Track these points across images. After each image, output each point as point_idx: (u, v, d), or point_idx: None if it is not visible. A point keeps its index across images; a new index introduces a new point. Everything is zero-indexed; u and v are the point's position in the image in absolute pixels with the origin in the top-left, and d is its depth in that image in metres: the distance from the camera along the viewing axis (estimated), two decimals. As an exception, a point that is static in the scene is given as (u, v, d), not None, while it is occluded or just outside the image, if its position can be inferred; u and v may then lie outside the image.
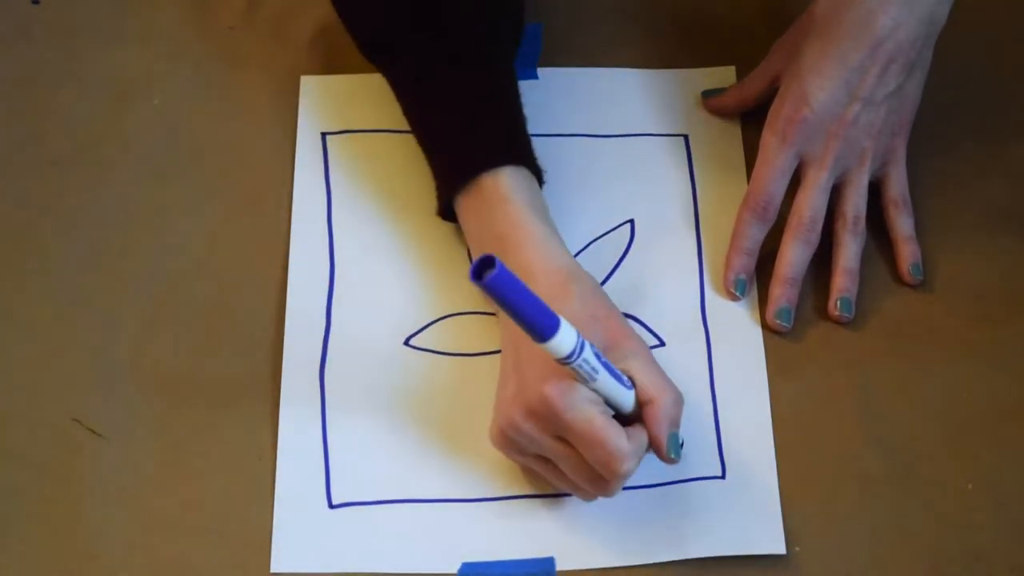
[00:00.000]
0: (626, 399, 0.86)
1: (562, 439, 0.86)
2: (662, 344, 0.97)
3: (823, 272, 0.99)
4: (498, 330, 0.96)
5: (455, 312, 0.98)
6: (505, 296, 0.78)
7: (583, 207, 1.02)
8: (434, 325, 0.98)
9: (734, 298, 0.98)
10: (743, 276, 0.98)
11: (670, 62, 1.08)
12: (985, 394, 0.95)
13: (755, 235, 0.99)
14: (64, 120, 1.05)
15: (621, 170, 1.04)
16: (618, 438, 0.84)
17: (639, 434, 0.86)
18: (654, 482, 0.92)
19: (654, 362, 0.88)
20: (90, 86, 1.06)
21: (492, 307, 0.97)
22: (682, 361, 0.96)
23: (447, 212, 0.97)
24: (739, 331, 0.98)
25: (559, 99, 1.06)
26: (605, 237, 1.01)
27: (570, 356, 0.82)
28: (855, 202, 0.99)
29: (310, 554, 0.90)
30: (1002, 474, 0.92)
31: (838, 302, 0.97)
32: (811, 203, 0.98)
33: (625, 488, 0.91)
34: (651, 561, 0.90)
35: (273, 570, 0.89)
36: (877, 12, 0.96)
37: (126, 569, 0.90)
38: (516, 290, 0.78)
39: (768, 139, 0.99)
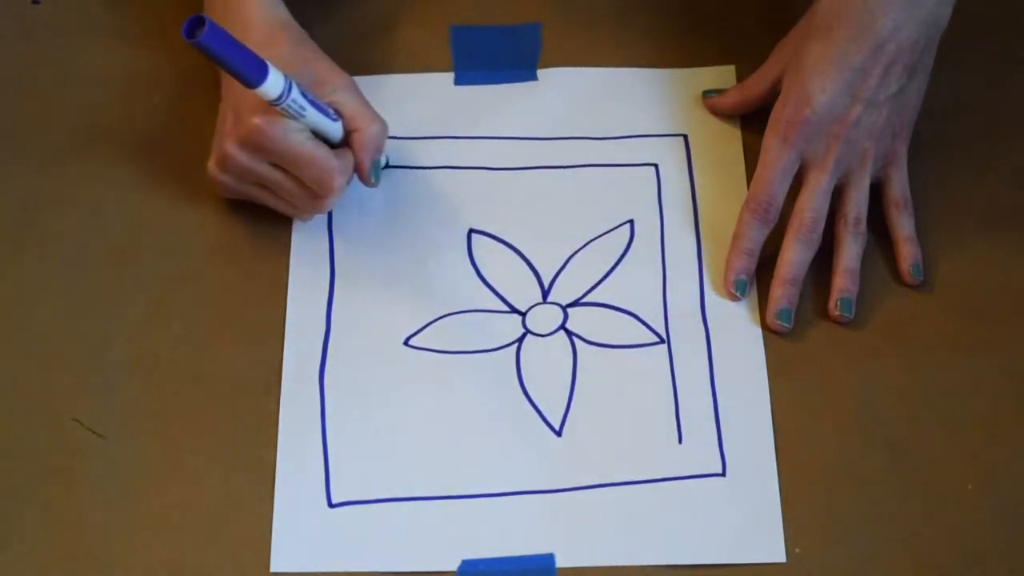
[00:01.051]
0: (334, 130, 0.96)
1: (276, 166, 0.96)
2: (662, 342, 0.97)
3: (823, 272, 0.99)
4: (495, 324, 0.97)
5: (454, 311, 0.98)
6: (216, 49, 0.89)
7: (583, 207, 1.02)
8: (433, 325, 0.98)
9: (734, 298, 0.98)
10: (744, 277, 0.98)
11: (670, 62, 1.08)
12: (985, 394, 0.95)
13: (756, 236, 0.99)
14: (64, 119, 1.04)
15: (621, 170, 1.04)
16: (328, 157, 0.95)
17: (347, 155, 0.97)
18: (655, 477, 0.92)
19: (360, 96, 0.98)
20: (90, 86, 1.06)
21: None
22: (682, 361, 0.96)
23: None
24: (739, 331, 0.98)
25: (559, 99, 1.06)
26: (605, 236, 1.01)
27: (279, 98, 0.92)
28: (856, 203, 0.99)
29: (310, 553, 0.90)
30: (1002, 474, 0.92)
31: (838, 302, 0.97)
32: (812, 204, 0.98)
33: (625, 483, 0.92)
34: (651, 563, 0.90)
35: (273, 570, 0.89)
36: (878, 13, 0.96)
37: (126, 569, 0.90)
38: (226, 43, 0.89)
39: (769, 140, 0.99)
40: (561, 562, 0.90)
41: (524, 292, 0.99)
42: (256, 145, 0.95)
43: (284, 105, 0.93)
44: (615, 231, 1.01)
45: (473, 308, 0.98)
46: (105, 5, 1.09)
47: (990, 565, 0.90)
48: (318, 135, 0.96)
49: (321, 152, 0.95)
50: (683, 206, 1.02)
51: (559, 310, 0.98)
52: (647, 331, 0.98)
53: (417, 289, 0.99)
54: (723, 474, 0.93)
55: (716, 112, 1.06)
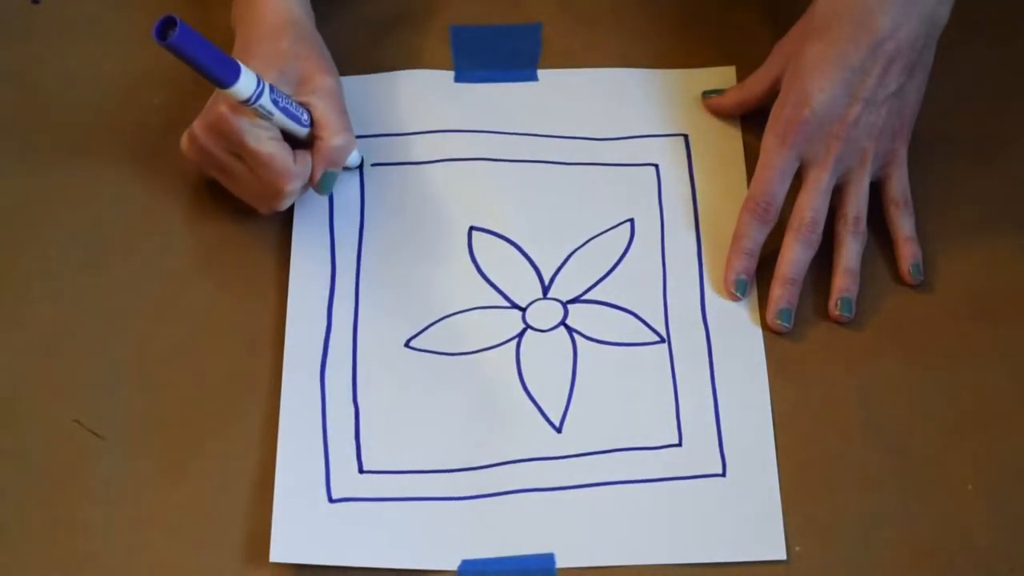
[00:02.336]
0: (301, 134, 0.98)
1: (237, 155, 0.96)
2: (663, 342, 0.97)
3: (823, 272, 0.99)
4: (495, 320, 0.98)
5: (455, 311, 0.98)
6: (187, 51, 0.90)
7: (584, 205, 1.02)
8: (434, 326, 0.98)
9: (734, 298, 0.98)
10: (744, 277, 0.98)
11: (670, 62, 1.08)
12: (985, 394, 0.95)
13: (756, 236, 0.99)
14: (64, 119, 1.05)
15: (621, 170, 1.04)
16: (285, 160, 0.96)
17: (306, 158, 0.98)
18: (656, 477, 0.92)
19: (338, 104, 0.99)
20: (90, 86, 1.06)
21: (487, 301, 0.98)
22: (682, 361, 0.96)
23: None
24: (739, 331, 0.98)
25: (559, 100, 1.06)
26: (605, 235, 1.01)
27: (248, 100, 0.94)
28: (856, 203, 0.99)
29: (309, 545, 0.90)
30: (1002, 474, 0.92)
31: (838, 302, 0.97)
32: (812, 204, 0.98)
33: (627, 482, 0.92)
34: (651, 562, 0.90)
35: (272, 559, 0.89)
36: (877, 13, 0.96)
37: (126, 569, 0.90)
38: (197, 45, 0.90)
39: (769, 140, 0.99)
40: (561, 562, 0.90)
41: (524, 288, 0.99)
42: (218, 132, 0.96)
43: (254, 107, 0.94)
44: (615, 230, 1.01)
45: (473, 305, 0.98)
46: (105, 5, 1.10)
47: (990, 565, 0.90)
48: (288, 134, 0.97)
49: (279, 154, 0.96)
50: (683, 206, 1.02)
51: (559, 306, 0.98)
52: (647, 330, 0.98)
53: (418, 290, 0.99)
54: (723, 474, 0.93)
55: (716, 112, 1.06)
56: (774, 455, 0.93)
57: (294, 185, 0.97)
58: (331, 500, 0.91)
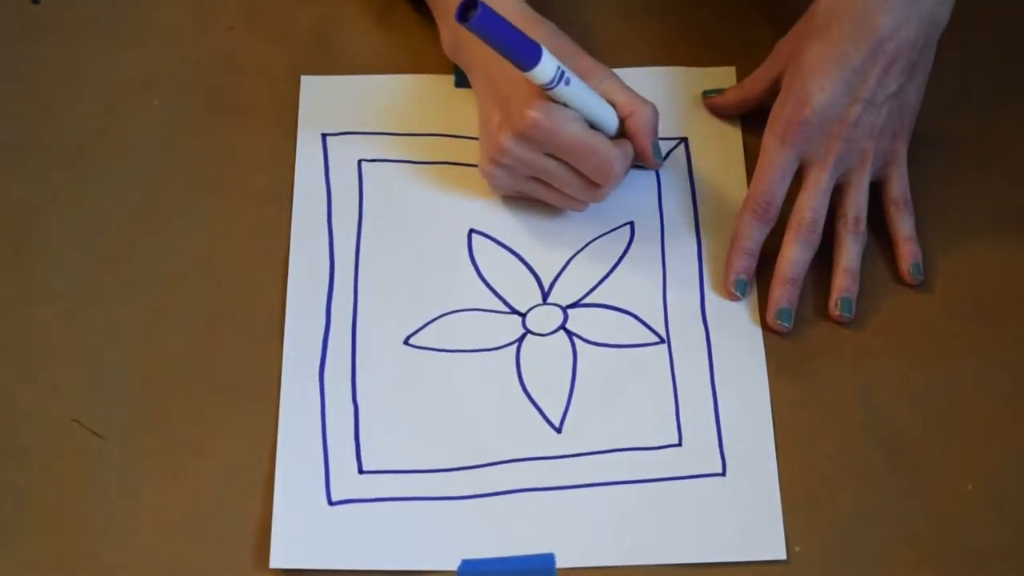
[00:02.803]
0: (608, 117, 0.96)
1: (552, 156, 0.95)
2: (662, 342, 0.97)
3: (823, 272, 0.99)
4: (495, 325, 0.97)
5: (454, 310, 0.98)
6: (491, 31, 0.87)
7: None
8: (433, 323, 0.98)
9: (735, 298, 0.98)
10: (744, 276, 0.98)
11: (670, 62, 1.08)
12: (985, 394, 0.95)
13: (756, 236, 0.99)
14: (64, 120, 1.05)
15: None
16: (607, 145, 0.95)
17: (624, 144, 0.97)
18: (656, 477, 0.92)
19: (626, 84, 0.98)
20: (90, 86, 1.06)
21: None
22: (682, 361, 0.96)
23: None
24: (739, 331, 0.98)
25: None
26: (605, 237, 1.01)
27: (552, 80, 0.91)
28: (856, 203, 0.99)
29: (310, 550, 0.90)
30: (1002, 474, 0.92)
31: (838, 302, 0.97)
32: (812, 204, 0.98)
33: (626, 483, 0.92)
34: (651, 562, 0.90)
35: (272, 566, 0.89)
36: (877, 13, 0.96)
37: (126, 569, 0.90)
38: (500, 25, 0.87)
39: (769, 140, 0.99)
40: (561, 562, 0.90)
41: (524, 294, 0.99)
42: (533, 137, 0.94)
43: (557, 89, 0.92)
44: (615, 232, 1.01)
45: (473, 308, 0.98)
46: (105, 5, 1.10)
47: (990, 565, 0.90)
48: (592, 126, 0.96)
49: (600, 140, 0.95)
50: (683, 207, 1.02)
51: (559, 311, 0.98)
52: (647, 331, 0.98)
53: (417, 288, 0.99)
54: (723, 474, 0.93)
55: (716, 112, 1.06)
56: (774, 455, 0.93)
57: (621, 168, 0.96)
58: (331, 503, 0.91)
